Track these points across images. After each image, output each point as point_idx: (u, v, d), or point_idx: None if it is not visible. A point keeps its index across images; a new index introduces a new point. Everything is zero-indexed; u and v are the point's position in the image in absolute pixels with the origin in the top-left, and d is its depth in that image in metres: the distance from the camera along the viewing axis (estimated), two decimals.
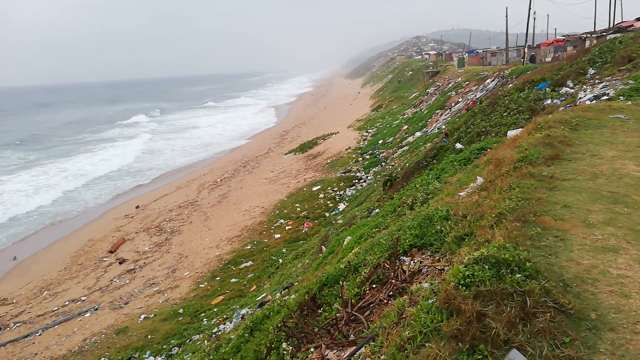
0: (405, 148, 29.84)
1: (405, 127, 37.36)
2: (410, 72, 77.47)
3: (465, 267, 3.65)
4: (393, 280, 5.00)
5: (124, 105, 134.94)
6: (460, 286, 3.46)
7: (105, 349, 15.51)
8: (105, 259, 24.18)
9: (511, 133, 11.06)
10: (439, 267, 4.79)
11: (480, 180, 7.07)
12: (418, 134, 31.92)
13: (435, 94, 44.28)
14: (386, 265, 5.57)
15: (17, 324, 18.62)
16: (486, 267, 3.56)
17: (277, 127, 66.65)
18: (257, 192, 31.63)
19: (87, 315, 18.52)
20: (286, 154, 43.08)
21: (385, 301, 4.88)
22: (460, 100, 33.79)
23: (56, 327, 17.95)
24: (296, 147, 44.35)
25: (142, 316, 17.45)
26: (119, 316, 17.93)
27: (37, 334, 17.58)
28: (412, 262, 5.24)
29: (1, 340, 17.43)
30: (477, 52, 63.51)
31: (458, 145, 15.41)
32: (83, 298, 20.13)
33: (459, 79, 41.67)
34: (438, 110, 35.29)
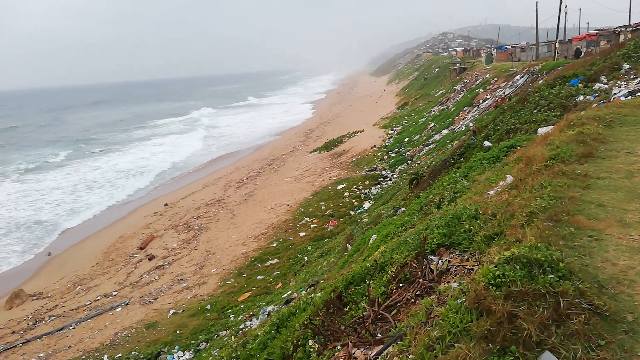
0: (431, 146, 29.49)
1: (432, 124, 36.93)
2: (436, 69, 76.48)
3: (495, 266, 3.59)
4: (420, 280, 4.96)
5: (170, 103, 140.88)
6: (491, 286, 3.41)
7: (136, 343, 15.89)
8: (135, 255, 24.77)
9: (542, 130, 10.80)
10: (467, 267, 4.73)
11: (510, 178, 6.93)
12: (445, 131, 31.49)
13: (462, 91, 43.59)
14: (413, 264, 5.53)
15: (52, 318, 19.26)
16: (517, 267, 3.50)
17: (302, 126, 66.83)
18: (282, 190, 31.82)
19: (118, 309, 19.01)
20: (311, 152, 43.16)
21: (413, 300, 4.84)
22: (488, 97, 33.18)
23: (89, 321, 18.49)
24: (321, 146, 44.38)
25: (171, 311, 17.79)
26: (148, 311, 18.34)
27: (70, 327, 18.15)
28: (440, 261, 5.19)
29: (37, 333, 18.06)
30: (506, 47, 62.12)
31: (486, 143, 15.14)
32: (114, 293, 20.67)
33: (487, 76, 40.91)
34: (465, 108, 34.75)
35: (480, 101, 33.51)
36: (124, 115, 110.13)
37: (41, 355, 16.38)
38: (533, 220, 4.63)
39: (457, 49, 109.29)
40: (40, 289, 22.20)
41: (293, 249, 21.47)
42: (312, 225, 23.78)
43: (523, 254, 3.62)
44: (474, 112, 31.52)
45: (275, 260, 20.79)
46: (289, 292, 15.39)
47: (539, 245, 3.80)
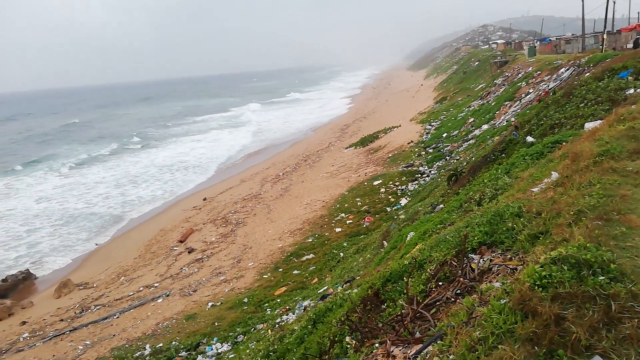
0: (471, 141, 28.81)
1: (471, 119, 36.07)
2: (476, 63, 74.58)
3: (541, 267, 3.47)
4: (461, 279, 4.85)
5: (212, 99, 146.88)
6: (536, 287, 3.30)
7: (176, 334, 16.35)
8: (175, 248, 25.46)
9: (589, 125, 10.36)
10: (511, 266, 4.60)
11: (555, 175, 6.68)
12: (485, 126, 30.68)
13: (503, 85, 42.33)
14: (453, 262, 5.42)
15: (97, 307, 20.08)
16: (565, 267, 3.37)
17: (338, 121, 66.75)
18: (318, 186, 31.90)
19: (159, 300, 19.61)
20: (347, 148, 43.06)
21: (453, 299, 4.75)
22: (531, 91, 32.10)
23: (132, 310, 19.17)
24: (357, 141, 44.19)
25: (210, 304, 18.20)
26: (188, 303, 18.82)
27: (115, 317, 18.87)
28: (481, 260, 5.07)
29: (83, 321, 18.89)
30: (550, 39, 59.84)
31: (529, 139, 14.65)
32: (156, 284, 21.33)
33: (530, 69, 39.54)
34: (507, 102, 33.73)
35: (523, 95, 32.46)
36: (170, 111, 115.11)
37: (87, 342, 17.12)
38: (581, 219, 4.45)
39: (498, 41, 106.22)
40: (87, 279, 23.17)
41: (329, 244, 21.51)
42: (347, 221, 23.74)
43: (571, 254, 3.48)
44: (515, 107, 30.57)
45: (311, 255, 20.89)
46: (325, 287, 15.43)
47: (588, 245, 3.65)
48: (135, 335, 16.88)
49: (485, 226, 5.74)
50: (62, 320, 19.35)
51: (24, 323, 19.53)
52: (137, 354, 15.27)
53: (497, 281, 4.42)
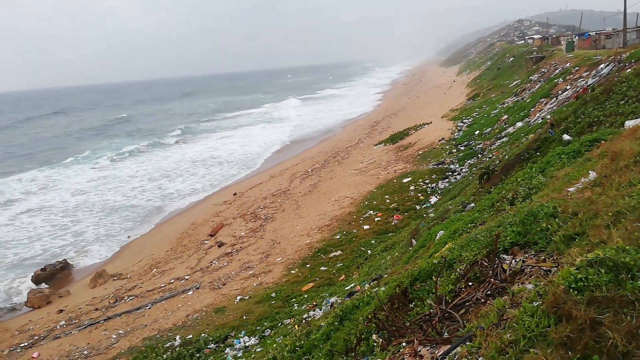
0: (504, 139, 28.14)
1: (505, 117, 35.22)
2: (511, 59, 72.73)
3: (577, 269, 3.35)
4: (492, 279, 4.74)
5: (254, 94, 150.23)
6: (571, 290, 3.18)
7: (205, 326, 16.64)
8: (205, 241, 25.91)
9: (630, 123, 9.95)
10: (544, 268, 4.46)
11: (592, 175, 6.44)
12: (519, 124, 29.90)
13: (539, 81, 41.14)
14: (484, 262, 5.30)
15: (130, 297, 20.65)
16: (602, 270, 3.24)
17: (367, 118, 66.40)
18: (346, 183, 31.83)
19: (189, 293, 20.01)
20: (376, 145, 42.78)
21: (483, 300, 4.65)
22: (568, 87, 31.08)
23: (163, 302, 19.63)
24: (386, 138, 43.84)
25: (238, 297, 18.44)
26: (217, 296, 19.13)
27: (147, 308, 19.37)
28: (513, 260, 4.93)
29: (117, 311, 19.46)
30: (589, 34, 57.68)
31: (566, 137, 14.19)
32: (186, 277, 21.77)
33: (568, 65, 38.30)
34: (542, 99, 32.77)
35: (559, 92, 31.46)
36: (205, 107, 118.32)
37: (120, 332, 17.64)
38: (620, 221, 4.27)
39: (534, 36, 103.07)
40: (121, 270, 23.86)
41: (356, 241, 21.45)
42: (376, 219, 23.60)
43: (609, 256, 3.35)
44: (552, 104, 29.67)
45: (339, 252, 20.87)
46: (352, 284, 15.40)
47: (627, 247, 3.50)
48: (166, 326, 17.27)
49: (518, 226, 5.59)
50: (97, 309, 20.00)
51: (61, 311, 20.29)
52: (167, 345, 15.63)
53: (529, 283, 4.30)
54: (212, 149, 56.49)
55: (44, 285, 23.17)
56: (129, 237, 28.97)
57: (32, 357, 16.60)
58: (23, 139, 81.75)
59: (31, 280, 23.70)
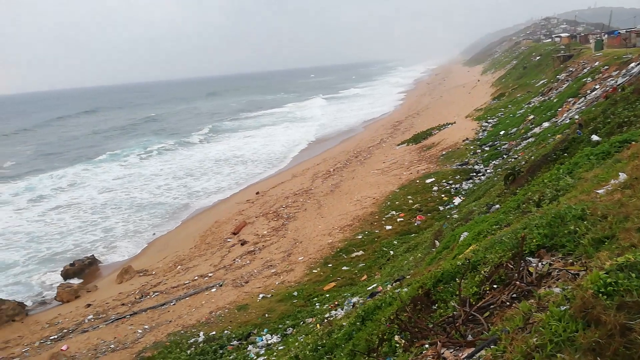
0: (530, 140, 27.60)
1: (531, 116, 34.53)
2: (537, 57, 71.24)
3: (606, 273, 3.29)
4: (517, 282, 4.69)
5: (278, 94, 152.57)
6: (600, 294, 3.14)
7: (228, 323, 16.84)
8: (229, 239, 26.21)
9: None
10: (572, 272, 4.39)
11: (623, 176, 6.30)
12: (546, 124, 29.28)
13: (567, 81, 40.19)
14: (509, 265, 5.24)
15: (156, 293, 21.05)
16: (633, 275, 3.18)
17: (390, 117, 66.03)
18: (368, 183, 31.73)
19: (213, 290, 20.27)
20: (399, 145, 42.50)
21: (508, 304, 4.60)
22: (597, 87, 30.27)
23: (187, 298, 19.94)
24: (409, 138, 43.50)
25: (261, 295, 18.60)
26: (240, 293, 19.33)
27: (171, 304, 19.71)
28: (540, 263, 4.87)
29: (143, 306, 19.87)
30: (619, 32, 56.05)
31: (594, 137, 13.86)
32: (210, 274, 22.06)
33: (596, 63, 37.29)
34: (570, 99, 32.01)
35: (588, 91, 30.67)
36: (228, 107, 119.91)
37: (146, 327, 18.00)
38: None
39: (562, 34, 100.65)
40: (146, 267, 24.34)
41: (378, 242, 21.36)
42: (398, 219, 23.47)
43: None
44: (580, 104, 28.96)
45: (361, 252, 20.84)
46: (374, 285, 15.35)
47: None
48: (190, 322, 17.54)
49: (545, 228, 5.51)
50: (123, 304, 20.46)
51: (88, 305, 20.83)
52: (191, 340, 15.88)
53: (556, 286, 4.24)
54: (235, 148, 57.10)
55: (74, 280, 23.85)
56: (154, 234, 29.55)
57: (61, 350, 17.09)
58: (53, 137, 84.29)
59: (60, 274, 24.42)
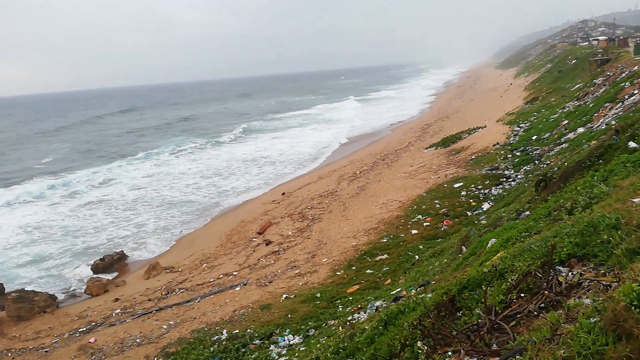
0: (564, 145, 26.84)
1: (565, 121, 33.58)
2: (573, 61, 69.30)
3: (639, 285, 3.15)
4: (546, 292, 4.53)
5: (308, 96, 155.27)
6: (633, 307, 3.00)
7: (251, 322, 16.94)
8: (254, 239, 26.42)
9: None
10: (604, 283, 4.21)
11: None
12: (580, 129, 28.42)
13: (604, 85, 38.93)
14: (538, 274, 5.08)
15: (181, 290, 21.40)
16: None
17: (419, 120, 65.42)
18: (395, 186, 31.46)
19: (237, 289, 20.46)
20: (427, 148, 42.02)
21: (535, 313, 4.45)
22: (636, 92, 29.20)
23: (212, 296, 20.19)
24: (438, 142, 42.96)
25: (284, 296, 18.65)
26: (263, 293, 19.44)
27: (196, 301, 19.99)
28: (570, 273, 4.69)
29: (168, 303, 20.22)
30: None
31: (632, 144, 13.35)
32: (234, 273, 22.28)
33: (636, 68, 36.01)
34: (607, 104, 30.98)
35: (626, 97, 29.62)
36: (257, 108, 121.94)
37: (171, 322, 18.30)
38: None
39: (599, 38, 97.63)
40: (173, 263, 24.78)
41: (404, 246, 21.13)
42: (424, 224, 23.16)
43: None
44: (617, 109, 27.99)
45: (385, 255, 20.65)
46: (398, 289, 15.18)
47: None
48: (214, 320, 17.74)
49: (576, 237, 5.31)
50: (150, 300, 20.87)
51: (116, 300, 21.33)
52: (214, 338, 16.05)
53: (587, 298, 4.08)
54: (261, 148, 57.79)
55: (103, 275, 24.49)
56: (181, 231, 30.07)
57: (89, 342, 17.55)
58: (90, 135, 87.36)
59: (90, 269, 25.11)
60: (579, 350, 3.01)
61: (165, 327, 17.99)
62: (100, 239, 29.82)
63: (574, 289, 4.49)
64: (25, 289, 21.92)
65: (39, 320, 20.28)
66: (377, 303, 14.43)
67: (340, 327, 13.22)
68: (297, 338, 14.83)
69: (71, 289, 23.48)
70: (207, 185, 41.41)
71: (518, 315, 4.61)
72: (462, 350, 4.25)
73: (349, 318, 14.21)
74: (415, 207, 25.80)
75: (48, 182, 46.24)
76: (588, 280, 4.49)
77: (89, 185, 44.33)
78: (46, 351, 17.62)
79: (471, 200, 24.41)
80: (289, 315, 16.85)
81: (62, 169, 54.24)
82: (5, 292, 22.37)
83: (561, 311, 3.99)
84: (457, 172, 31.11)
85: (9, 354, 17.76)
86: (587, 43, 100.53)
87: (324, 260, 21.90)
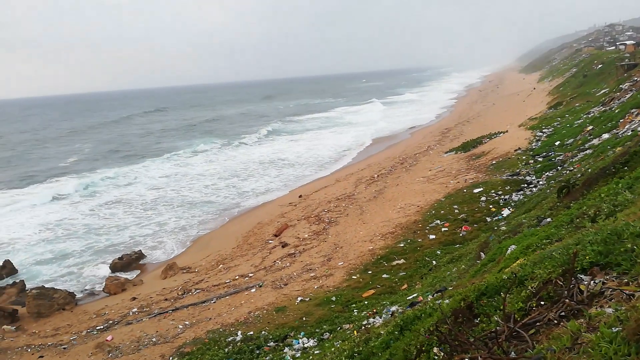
0: (588, 151, 26.24)
1: (590, 127, 32.85)
2: (599, 66, 67.88)
3: None
4: (567, 300, 4.38)
5: (330, 98, 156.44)
6: None
7: (266, 324, 16.94)
8: (270, 241, 26.46)
9: None
10: (627, 292, 4.05)
11: None
12: (605, 135, 27.76)
13: (630, 90, 38.00)
14: (558, 282, 4.92)
15: (197, 291, 21.53)
16: None
17: (438, 124, 64.84)
18: (413, 190, 31.18)
19: (252, 290, 20.49)
20: (446, 153, 41.58)
21: (555, 322, 4.30)
22: None
23: (227, 297, 20.26)
24: (458, 146, 42.47)
25: (299, 298, 18.60)
26: (278, 295, 19.42)
27: (212, 302, 20.08)
28: (592, 282, 4.53)
29: (184, 303, 20.36)
30: None
31: None
32: (250, 274, 22.33)
33: None
34: (633, 110, 30.20)
35: None
36: (277, 110, 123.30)
37: (186, 323, 18.42)
38: None
39: (627, 42, 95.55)
40: (189, 264, 24.97)
41: (421, 251, 20.89)
42: (442, 229, 22.87)
43: None
44: None
45: (402, 260, 20.45)
46: (415, 294, 14.99)
47: None
48: (229, 321, 17.78)
49: (599, 245, 5.14)
50: (166, 299, 21.05)
51: (134, 299, 21.57)
52: (229, 339, 16.08)
53: (609, 307, 3.94)
54: (278, 150, 58.11)
55: (121, 274, 24.82)
56: (198, 232, 30.31)
57: (106, 340, 17.77)
58: (115, 135, 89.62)
59: (109, 267, 25.48)
60: None
61: (181, 327, 18.10)
62: (123, 237, 30.39)
63: (596, 298, 4.34)
64: (45, 286, 22.34)
65: (58, 317, 20.63)
66: (393, 308, 14.26)
67: (355, 332, 13.11)
68: (312, 341, 14.75)
69: (90, 287, 23.85)
70: (227, 186, 41.79)
71: (537, 324, 4.47)
72: (479, 358, 4.13)
73: (364, 322, 14.07)
74: (433, 212, 25.51)
75: (71, 182, 47.23)
76: (610, 289, 4.34)
77: (110, 185, 45.15)
78: (64, 348, 17.90)
79: (491, 206, 24.03)
80: (304, 318, 16.79)
81: (85, 168, 55.45)
82: (26, 288, 22.87)
83: (582, 320, 3.85)
84: (477, 177, 30.68)
85: (29, 350, 18.10)
86: (613, 47, 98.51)
87: (339, 263, 21.79)
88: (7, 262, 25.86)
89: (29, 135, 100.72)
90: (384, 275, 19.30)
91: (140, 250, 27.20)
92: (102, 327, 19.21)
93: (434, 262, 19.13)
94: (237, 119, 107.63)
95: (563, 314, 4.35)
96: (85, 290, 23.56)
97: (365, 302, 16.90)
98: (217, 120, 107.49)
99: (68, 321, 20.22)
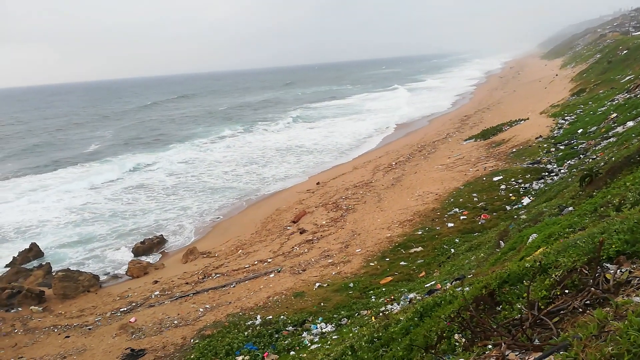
0: (611, 139, 25.66)
1: (614, 115, 32.08)
2: (625, 51, 65.89)
3: None
4: (592, 288, 4.38)
5: (351, 85, 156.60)
6: None
7: (284, 309, 17.18)
8: (288, 227, 26.67)
9: None
10: None
11: None
12: (630, 123, 27.10)
13: None
14: (584, 270, 4.91)
15: (217, 275, 21.89)
16: None
17: (458, 112, 64.04)
18: (431, 178, 30.99)
19: (271, 275, 20.76)
20: (466, 140, 41.10)
21: (581, 310, 4.31)
22: None
23: (246, 282, 20.57)
24: (477, 133, 41.93)
25: (317, 284, 18.78)
26: (297, 281, 19.64)
27: (231, 286, 20.42)
28: (618, 270, 4.51)
29: (205, 287, 20.74)
30: None
31: None
32: (269, 260, 22.60)
33: None
34: None
35: None
36: (306, 96, 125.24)
37: (207, 306, 18.78)
38: None
39: None
40: (210, 249, 25.36)
41: (439, 239, 20.84)
42: (461, 217, 22.74)
43: None
44: None
45: (420, 248, 20.43)
46: (432, 282, 15.01)
47: None
48: (248, 305, 18.07)
49: (626, 234, 5.10)
50: (187, 283, 21.46)
51: (155, 282, 22.06)
52: (249, 323, 16.37)
53: (636, 295, 3.92)
54: (295, 137, 58.31)
55: (144, 257, 25.36)
56: (218, 217, 30.72)
57: (130, 322, 18.25)
58: (138, 122, 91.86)
59: (131, 251, 26.04)
60: (629, 347, 2.90)
61: (201, 310, 18.48)
62: (148, 220, 31.15)
63: (623, 287, 4.32)
64: (71, 269, 22.97)
65: (83, 299, 21.23)
66: (411, 295, 14.32)
67: (373, 317, 13.22)
68: (330, 326, 14.92)
69: (113, 270, 24.44)
70: (247, 172, 42.25)
71: (562, 312, 4.48)
72: (503, 344, 4.17)
73: (382, 309, 14.17)
74: (452, 199, 25.36)
75: (93, 167, 48.12)
76: (638, 279, 4.31)
77: (132, 171, 45.97)
78: (89, 328, 18.45)
79: (511, 194, 23.78)
80: (322, 304, 16.97)
81: (107, 154, 56.53)
82: (52, 271, 23.54)
83: (608, 309, 3.85)
84: (497, 165, 30.33)
85: (55, 330, 18.70)
86: (639, 32, 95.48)
87: (357, 250, 21.89)
88: (34, 245, 26.62)
89: (54, 121, 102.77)
90: (402, 263, 19.34)
91: (161, 235, 27.71)
92: (125, 309, 19.72)
93: (452, 250, 19.09)
94: (262, 105, 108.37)
95: (588, 302, 4.35)
96: (109, 273, 24.16)
97: (383, 289, 16.98)
98: (239, 107, 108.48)
99: (93, 303, 20.80)
